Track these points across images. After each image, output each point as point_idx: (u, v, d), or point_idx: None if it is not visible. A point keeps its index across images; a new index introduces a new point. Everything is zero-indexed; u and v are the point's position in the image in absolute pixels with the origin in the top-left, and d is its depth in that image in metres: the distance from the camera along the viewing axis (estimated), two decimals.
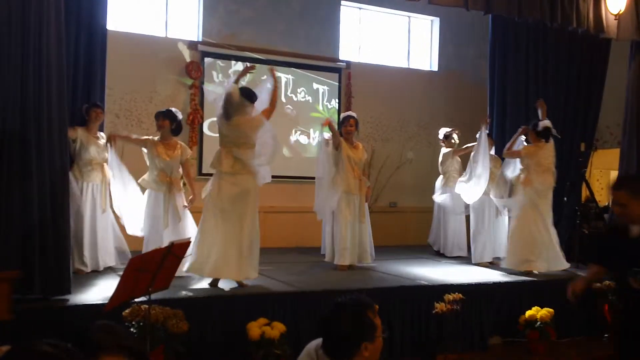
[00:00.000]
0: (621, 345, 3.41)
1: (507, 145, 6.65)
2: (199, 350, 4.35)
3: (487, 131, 6.89)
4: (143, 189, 5.65)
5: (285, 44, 8.43)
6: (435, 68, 9.72)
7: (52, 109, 4.25)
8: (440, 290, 5.27)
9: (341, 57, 8.94)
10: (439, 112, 9.29)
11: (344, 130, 6.33)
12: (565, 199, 7.16)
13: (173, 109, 5.78)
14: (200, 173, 7.82)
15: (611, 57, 7.78)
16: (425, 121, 9.37)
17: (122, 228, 5.84)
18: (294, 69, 8.50)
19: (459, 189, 6.99)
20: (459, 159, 7.65)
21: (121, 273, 3.60)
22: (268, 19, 8.38)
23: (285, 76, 8.36)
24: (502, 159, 6.98)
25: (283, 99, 8.18)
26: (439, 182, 7.68)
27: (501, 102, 7.69)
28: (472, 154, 6.88)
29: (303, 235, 7.98)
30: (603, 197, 8.87)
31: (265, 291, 4.94)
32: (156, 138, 5.64)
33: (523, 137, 6.63)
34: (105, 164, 5.80)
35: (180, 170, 5.70)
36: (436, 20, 9.68)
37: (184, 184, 5.82)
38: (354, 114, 6.53)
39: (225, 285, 5.00)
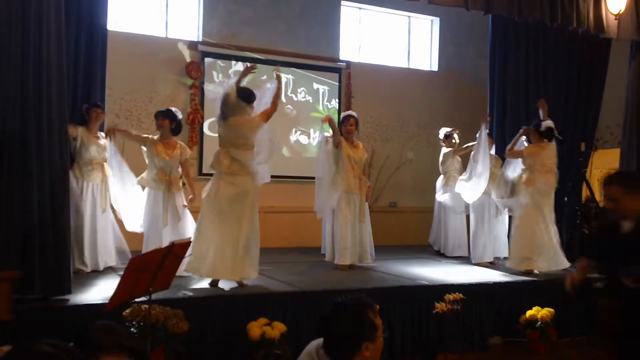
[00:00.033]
0: (622, 344, 3.39)
1: (509, 146, 6.64)
2: (199, 350, 4.35)
3: (487, 130, 6.88)
4: (143, 186, 5.65)
5: (285, 44, 8.43)
6: (435, 68, 9.72)
7: (52, 109, 4.24)
8: (441, 290, 5.26)
9: (341, 57, 8.94)
10: (439, 112, 9.29)
11: (344, 129, 6.33)
12: (565, 199, 7.15)
13: (173, 109, 5.77)
14: (200, 173, 7.82)
15: (611, 57, 7.77)
16: (425, 121, 9.37)
17: (122, 228, 5.84)
18: (294, 69, 8.50)
19: (459, 188, 6.99)
20: (459, 159, 7.65)
21: (121, 273, 3.60)
22: (268, 19, 8.38)
23: (285, 76, 8.35)
24: (503, 159, 6.97)
25: (283, 99, 8.18)
26: (439, 182, 7.68)
27: (501, 102, 7.69)
28: (472, 153, 6.88)
29: (303, 235, 7.98)
30: None
31: (266, 291, 4.94)
32: (156, 137, 5.64)
33: (524, 138, 6.62)
34: (105, 163, 5.79)
35: (180, 170, 5.70)
36: (436, 20, 9.68)
37: (184, 184, 5.82)
38: (354, 114, 6.53)
39: (225, 285, 5.00)
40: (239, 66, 8.08)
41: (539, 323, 5.38)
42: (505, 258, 7.00)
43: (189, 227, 5.50)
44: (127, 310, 4.02)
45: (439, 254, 7.61)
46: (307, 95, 8.70)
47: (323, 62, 8.72)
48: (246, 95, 5.04)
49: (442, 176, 7.66)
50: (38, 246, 4.16)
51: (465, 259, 7.11)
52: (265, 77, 8.09)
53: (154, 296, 3.78)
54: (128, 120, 7.47)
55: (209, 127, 7.94)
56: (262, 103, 5.18)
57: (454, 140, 7.62)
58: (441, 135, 7.73)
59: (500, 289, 5.73)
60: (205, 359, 4.41)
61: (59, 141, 4.30)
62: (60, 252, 4.28)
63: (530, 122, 6.75)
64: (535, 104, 6.89)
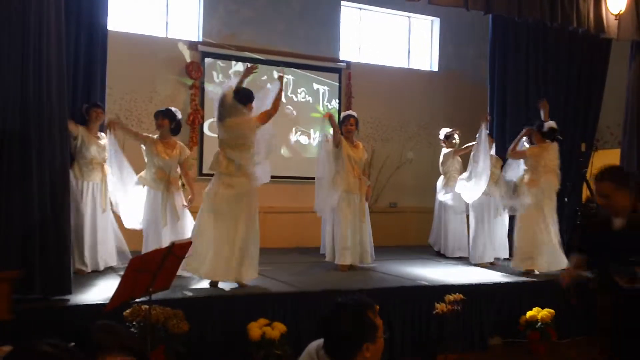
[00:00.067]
0: (618, 345, 3.35)
1: (511, 147, 6.60)
2: (199, 351, 4.35)
3: (488, 130, 6.87)
4: (142, 185, 5.64)
5: (285, 44, 8.43)
6: (435, 68, 9.72)
7: (52, 108, 4.24)
8: (441, 290, 5.26)
9: (341, 57, 8.94)
10: (439, 112, 9.29)
11: (344, 129, 6.32)
12: (566, 199, 7.15)
13: (172, 109, 5.78)
14: (200, 173, 7.82)
15: (611, 57, 7.77)
16: (425, 121, 9.37)
17: (122, 227, 5.84)
18: (294, 69, 8.49)
19: (459, 187, 6.99)
20: (459, 159, 7.64)
21: (122, 273, 3.60)
22: (268, 19, 8.38)
23: (285, 76, 8.35)
24: (503, 160, 6.96)
25: (283, 100, 8.17)
26: (440, 182, 7.67)
27: (501, 102, 7.68)
28: (472, 153, 6.87)
29: (303, 236, 7.97)
30: None
31: (266, 291, 4.94)
32: (155, 137, 5.64)
33: (524, 138, 6.61)
34: (105, 163, 5.78)
35: (179, 170, 5.70)
36: (436, 21, 9.68)
37: (183, 184, 5.81)
38: (354, 113, 6.52)
39: (225, 285, 5.00)
40: (239, 66, 8.09)
41: (539, 324, 5.37)
42: (505, 259, 7.02)
43: (189, 227, 5.50)
44: (128, 311, 4.02)
45: (439, 255, 7.60)
46: (307, 96, 8.70)
47: (323, 62, 8.72)
48: (242, 97, 5.04)
49: (442, 177, 7.66)
50: (38, 245, 4.16)
51: (466, 260, 7.10)
52: (265, 77, 8.11)
53: (154, 296, 3.78)
54: (128, 120, 7.46)
55: (209, 128, 7.93)
56: (263, 104, 5.18)
57: (454, 141, 7.61)
58: (441, 136, 7.72)
59: (501, 289, 5.73)
60: (205, 359, 4.41)
61: (59, 140, 4.30)
62: (61, 251, 4.28)
63: (531, 123, 6.75)
64: (535, 104, 6.89)
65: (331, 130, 6.38)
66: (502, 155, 7.06)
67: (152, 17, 8.00)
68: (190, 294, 4.71)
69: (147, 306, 3.89)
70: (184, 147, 5.81)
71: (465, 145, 7.41)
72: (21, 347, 1.31)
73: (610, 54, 7.74)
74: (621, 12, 6.68)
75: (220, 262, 4.91)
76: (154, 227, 5.45)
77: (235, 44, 8.12)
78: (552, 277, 6.06)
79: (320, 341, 2.17)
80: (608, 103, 7.97)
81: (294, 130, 8.59)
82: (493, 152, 7.00)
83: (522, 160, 6.57)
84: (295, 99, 8.56)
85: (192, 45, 7.97)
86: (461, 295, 5.12)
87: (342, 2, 9.00)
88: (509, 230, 7.16)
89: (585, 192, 7.81)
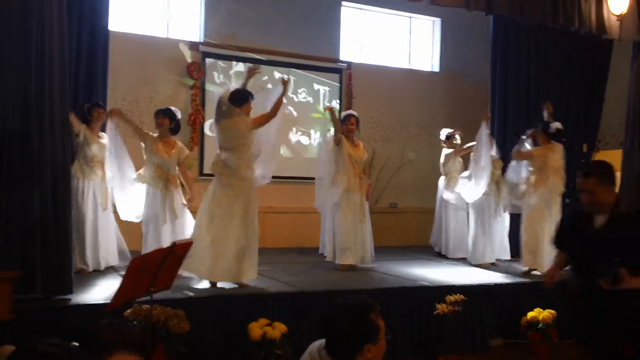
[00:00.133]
0: (599, 347, 3.27)
1: (516, 148, 6.53)
2: (199, 351, 4.34)
3: (488, 130, 6.84)
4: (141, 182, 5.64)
5: (286, 45, 8.42)
6: (436, 69, 9.71)
7: (54, 105, 4.24)
8: (442, 291, 5.25)
9: (342, 58, 8.93)
10: (440, 112, 9.28)
11: (345, 128, 6.31)
12: (567, 200, 7.14)
13: (172, 108, 5.78)
14: (201, 174, 7.82)
15: (613, 58, 7.76)
16: (425, 122, 9.36)
17: (122, 227, 5.84)
18: (295, 69, 8.49)
19: (460, 187, 6.98)
20: (460, 160, 7.64)
21: (123, 273, 3.60)
22: (269, 20, 8.38)
23: (286, 77, 8.35)
24: (504, 161, 6.95)
25: (284, 100, 8.17)
26: (441, 182, 7.66)
27: (502, 102, 7.68)
28: (473, 152, 6.86)
29: (303, 236, 7.97)
30: None
31: (266, 291, 4.93)
32: (155, 135, 5.64)
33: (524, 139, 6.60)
34: (105, 162, 5.77)
35: (177, 169, 5.70)
36: (437, 21, 9.67)
37: (182, 184, 5.81)
38: (354, 113, 6.52)
39: (225, 285, 4.99)
40: (240, 67, 8.09)
41: (541, 324, 5.37)
42: (506, 260, 7.01)
43: (188, 226, 5.50)
44: (129, 311, 4.01)
45: (439, 255, 7.59)
46: (307, 96, 8.70)
47: (324, 62, 8.72)
48: (236, 99, 5.05)
49: (443, 177, 7.65)
50: (39, 245, 4.15)
51: (466, 260, 7.09)
52: (266, 77, 8.10)
53: (154, 296, 3.78)
54: None
55: (210, 128, 7.93)
56: (265, 106, 5.19)
57: (455, 141, 7.61)
58: (442, 136, 7.72)
59: (502, 290, 5.72)
60: (206, 359, 4.40)
61: (61, 137, 4.30)
62: (62, 251, 4.27)
63: (532, 124, 6.74)
64: (537, 105, 6.87)
65: (332, 130, 6.37)
66: (504, 156, 7.05)
67: (153, 18, 8.00)
68: (191, 294, 4.71)
69: (148, 306, 3.89)
70: (183, 147, 5.82)
71: (466, 146, 7.40)
72: (24, 347, 1.30)
73: (612, 54, 7.74)
74: (623, 13, 6.67)
75: (219, 262, 4.91)
76: (154, 225, 5.45)
77: (236, 44, 8.11)
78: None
79: (322, 341, 2.16)
80: (610, 104, 7.96)
81: (294, 130, 8.59)
82: (494, 152, 6.97)
83: (524, 162, 6.55)
84: (295, 100, 8.55)
85: (193, 46, 7.97)
86: (462, 296, 5.11)
87: (342, 2, 9.00)
88: (509, 231, 7.15)
89: None
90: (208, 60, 8.06)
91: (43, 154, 4.18)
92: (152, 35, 7.85)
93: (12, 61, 4.10)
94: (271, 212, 7.82)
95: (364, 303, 2.14)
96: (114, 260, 5.77)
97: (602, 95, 7.85)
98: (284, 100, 5.32)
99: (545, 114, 6.61)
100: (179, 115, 5.75)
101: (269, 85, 5.66)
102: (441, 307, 5.01)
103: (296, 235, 8.10)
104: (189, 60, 7.91)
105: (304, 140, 8.68)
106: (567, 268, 3.55)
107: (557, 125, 6.40)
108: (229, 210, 4.99)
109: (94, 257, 5.60)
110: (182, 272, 4.63)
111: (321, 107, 8.68)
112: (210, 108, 7.67)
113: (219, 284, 4.99)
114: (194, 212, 5.49)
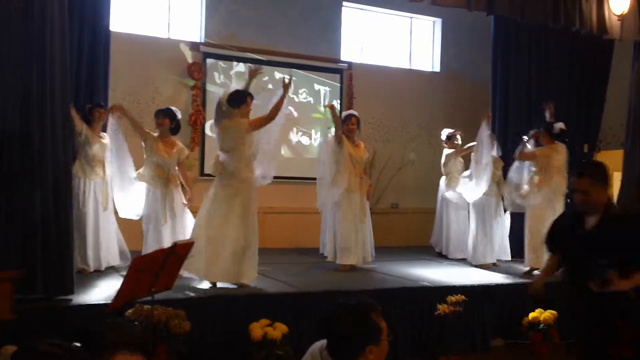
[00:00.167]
0: (590, 350, 3.26)
1: (519, 148, 6.51)
2: (199, 351, 4.34)
3: (489, 131, 6.83)
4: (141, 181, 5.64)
5: (286, 45, 8.42)
6: (437, 69, 9.71)
7: (55, 104, 4.24)
8: (443, 291, 5.24)
9: (343, 58, 8.93)
10: (441, 113, 9.28)
11: (346, 128, 6.31)
12: (568, 200, 7.14)
13: (173, 108, 5.79)
14: (201, 174, 7.82)
15: (614, 58, 7.76)
16: (426, 122, 9.36)
17: (122, 228, 5.83)
18: (296, 69, 8.49)
19: (461, 186, 6.97)
20: (461, 160, 7.63)
21: (124, 273, 3.60)
22: (269, 20, 8.38)
23: (286, 77, 8.35)
24: (504, 160, 6.94)
25: (284, 101, 8.18)
26: (442, 182, 7.66)
27: (503, 103, 7.68)
28: (473, 152, 6.86)
29: (303, 236, 7.97)
30: None
31: (266, 292, 4.93)
32: (155, 134, 5.64)
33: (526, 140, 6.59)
34: (106, 162, 5.77)
35: (177, 169, 5.70)
36: (438, 21, 9.67)
37: (182, 184, 5.81)
38: (355, 113, 6.52)
39: (225, 285, 4.99)
40: (241, 67, 8.10)
41: (542, 325, 5.36)
42: (507, 261, 7.00)
43: (189, 225, 5.50)
44: (130, 311, 4.01)
45: (440, 256, 7.59)
46: (308, 96, 8.70)
47: (324, 62, 8.72)
48: (233, 100, 5.05)
49: (444, 177, 7.64)
50: (40, 245, 4.15)
51: (467, 261, 7.09)
52: (267, 77, 8.10)
53: (156, 296, 3.77)
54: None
55: (210, 129, 7.93)
56: (266, 107, 5.19)
57: (456, 142, 7.60)
58: (443, 137, 7.71)
59: (503, 290, 5.71)
60: (206, 359, 4.40)
61: (62, 137, 4.30)
62: (63, 251, 4.27)
63: (532, 124, 6.74)
64: (538, 106, 6.86)
65: (333, 129, 6.37)
66: (504, 156, 7.04)
67: (154, 18, 8.00)
68: (191, 294, 4.71)
69: (149, 306, 3.89)
70: (183, 147, 5.82)
71: (467, 146, 7.40)
72: (25, 348, 1.30)
73: (612, 54, 7.73)
74: (624, 13, 6.67)
75: (218, 263, 4.91)
76: (154, 225, 5.45)
77: (237, 45, 8.12)
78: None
79: (324, 342, 2.15)
80: (610, 104, 7.95)
81: (295, 130, 8.58)
82: (495, 152, 6.95)
83: (527, 162, 6.54)
84: (296, 100, 8.55)
85: (193, 46, 7.97)
86: (463, 297, 5.11)
87: (343, 2, 9.00)
88: (510, 231, 7.15)
89: None
90: (209, 61, 8.06)
91: (44, 154, 4.18)
92: (153, 36, 7.85)
93: (13, 61, 4.10)
94: (271, 213, 7.82)
95: (365, 303, 2.12)
96: (115, 261, 5.77)
97: (603, 96, 7.85)
98: (285, 101, 5.31)
99: (547, 115, 6.60)
100: (179, 115, 5.75)
101: (270, 86, 5.67)
102: (442, 308, 5.01)
103: (296, 235, 8.10)
104: (190, 60, 7.91)
105: (305, 140, 8.68)
106: (559, 271, 3.55)
107: (560, 125, 6.39)
108: (227, 210, 4.99)
109: (95, 257, 5.60)
110: (183, 272, 4.63)
111: (322, 108, 8.68)
112: (211, 108, 7.66)
113: (219, 284, 4.99)
114: (194, 212, 5.49)
